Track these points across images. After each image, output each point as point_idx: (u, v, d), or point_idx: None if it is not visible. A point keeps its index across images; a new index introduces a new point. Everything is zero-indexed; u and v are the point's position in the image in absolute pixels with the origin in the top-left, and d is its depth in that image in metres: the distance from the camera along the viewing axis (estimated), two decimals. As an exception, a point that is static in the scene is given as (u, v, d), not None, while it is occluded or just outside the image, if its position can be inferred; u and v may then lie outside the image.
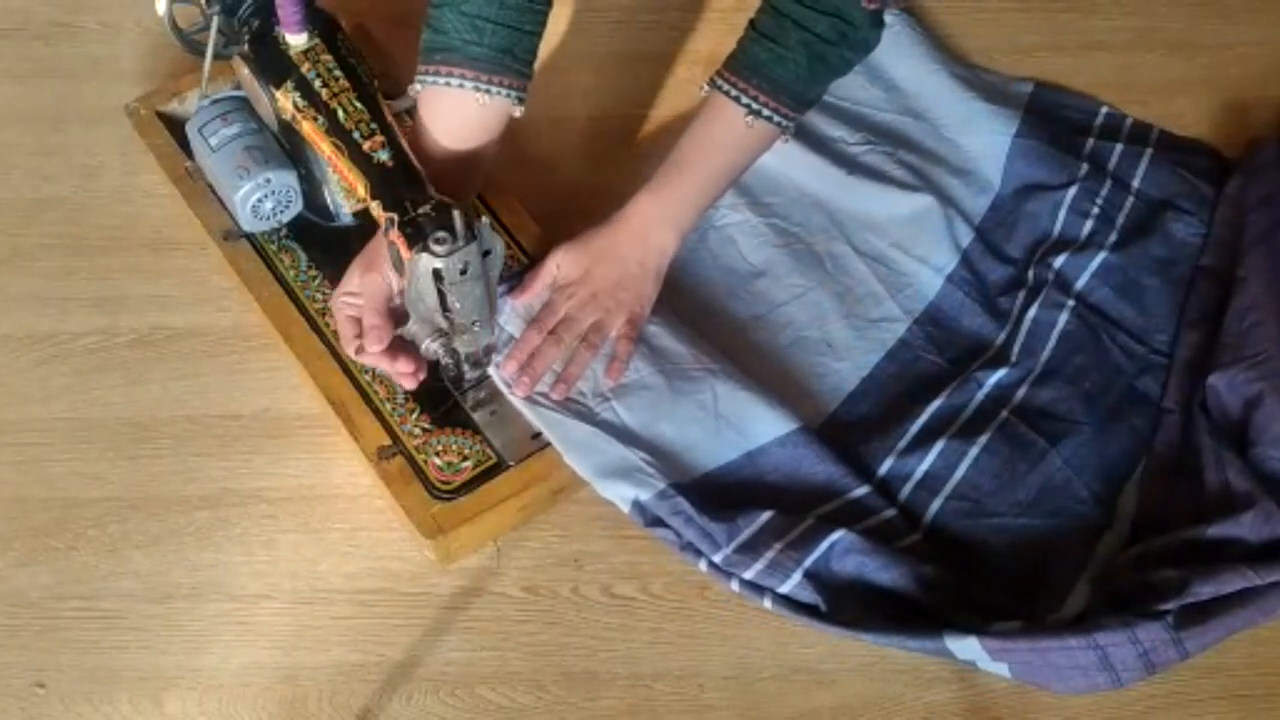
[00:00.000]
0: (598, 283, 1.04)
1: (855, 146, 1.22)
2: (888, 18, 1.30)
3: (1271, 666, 0.98)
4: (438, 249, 0.87)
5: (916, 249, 1.16)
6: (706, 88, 1.03)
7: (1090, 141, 1.25)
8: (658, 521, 0.98)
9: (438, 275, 0.89)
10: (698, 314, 1.12)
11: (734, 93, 1.00)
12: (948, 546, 1.01)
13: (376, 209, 0.94)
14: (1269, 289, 1.08)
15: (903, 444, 1.05)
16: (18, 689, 0.96)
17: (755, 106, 1.00)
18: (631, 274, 1.04)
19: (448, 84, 0.99)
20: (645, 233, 1.05)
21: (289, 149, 1.09)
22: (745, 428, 1.02)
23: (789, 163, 1.20)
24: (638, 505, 0.97)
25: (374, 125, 0.97)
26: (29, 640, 0.98)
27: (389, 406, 1.03)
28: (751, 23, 1.02)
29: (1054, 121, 1.26)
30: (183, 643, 0.98)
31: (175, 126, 1.16)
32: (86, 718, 0.95)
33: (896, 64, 1.28)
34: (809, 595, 0.95)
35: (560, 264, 1.05)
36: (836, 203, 1.19)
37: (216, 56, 1.06)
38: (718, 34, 1.34)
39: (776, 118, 1.00)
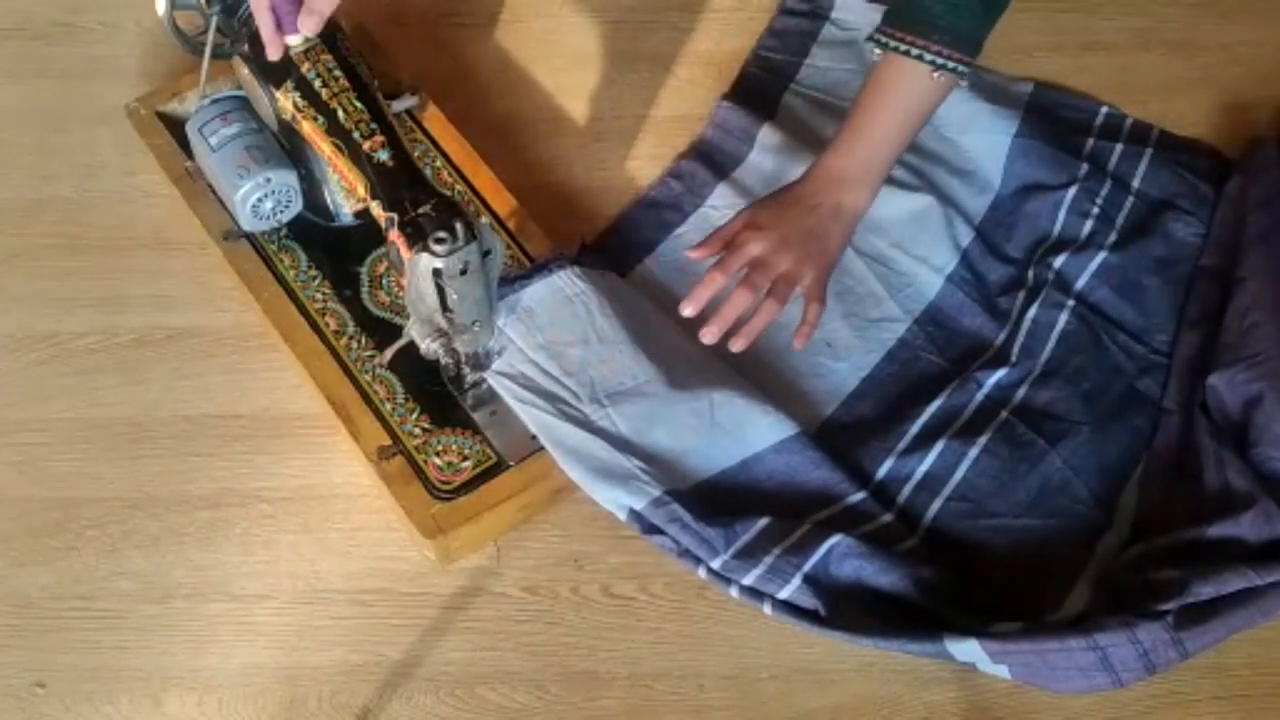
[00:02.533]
0: (789, 227, 1.01)
1: (855, 147, 1.22)
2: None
3: (1271, 666, 0.98)
4: (438, 249, 0.87)
5: (916, 249, 1.16)
6: (878, 51, 1.02)
7: (1090, 141, 1.25)
8: (655, 529, 0.97)
9: (437, 275, 0.89)
10: (697, 314, 1.12)
11: (915, 51, 0.99)
12: (947, 547, 1.01)
13: (376, 209, 0.94)
14: (1269, 289, 1.08)
15: (903, 445, 1.05)
16: (18, 689, 0.96)
17: (940, 61, 0.98)
18: (823, 224, 1.02)
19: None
20: (838, 187, 1.03)
21: (289, 149, 1.09)
22: (741, 435, 1.02)
23: (789, 162, 1.20)
24: (634, 514, 0.97)
25: (374, 125, 0.97)
26: (29, 640, 0.98)
27: (389, 406, 1.03)
28: None
29: (1054, 121, 1.26)
30: (183, 643, 0.98)
31: (175, 126, 1.16)
32: (86, 718, 0.95)
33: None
34: (808, 600, 0.94)
35: (753, 212, 1.03)
36: None
37: (216, 56, 1.06)
38: (718, 34, 1.34)
39: (961, 68, 0.99)
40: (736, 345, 0.98)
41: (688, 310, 0.99)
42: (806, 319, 1.01)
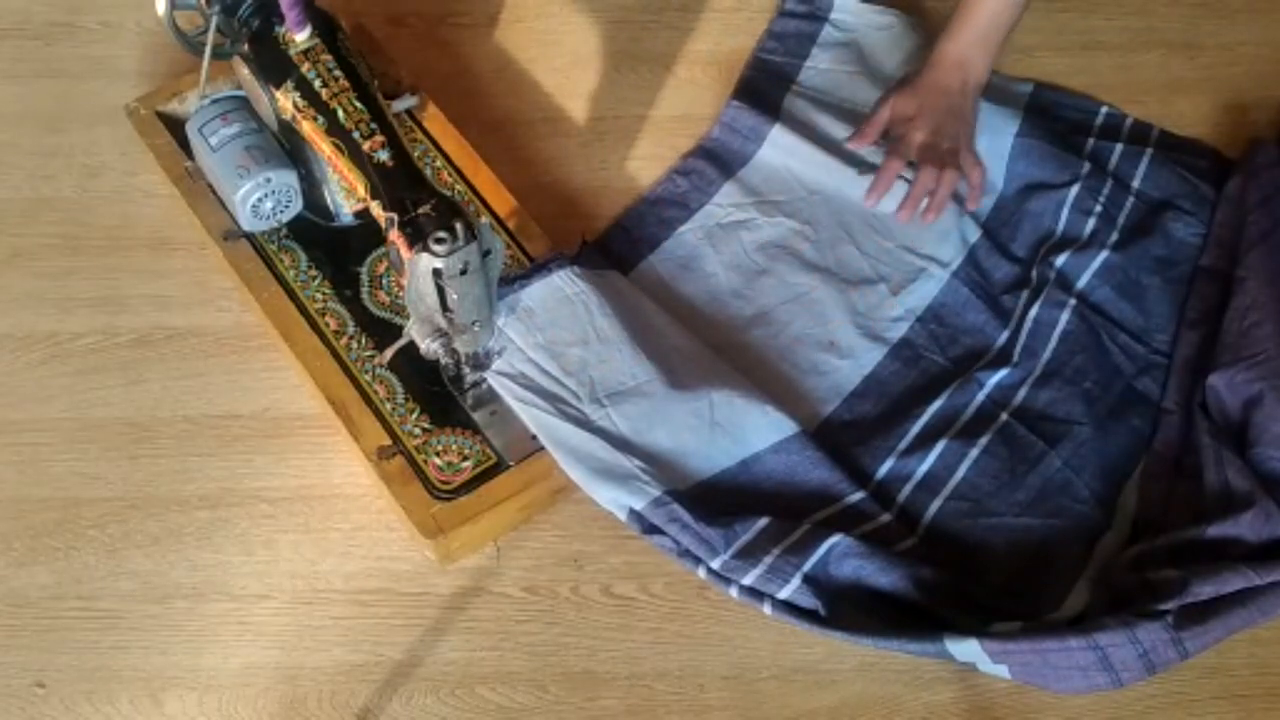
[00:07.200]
0: (933, 114, 1.17)
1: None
2: (887, 18, 1.31)
3: (1271, 666, 0.98)
4: (438, 249, 0.87)
5: (924, 247, 1.16)
6: None
7: (1091, 141, 1.25)
8: (654, 529, 0.97)
9: (437, 275, 0.89)
10: (701, 310, 1.13)
11: None
12: (947, 547, 1.01)
13: (376, 209, 0.94)
14: (1269, 289, 1.08)
15: (903, 444, 1.05)
16: (18, 689, 0.96)
17: None
18: (957, 102, 1.18)
19: None
20: (958, 68, 1.17)
21: (289, 149, 1.09)
22: (740, 435, 1.02)
23: (797, 161, 1.21)
24: (634, 514, 0.97)
25: (374, 125, 0.97)
26: (29, 640, 0.98)
27: (389, 406, 1.03)
28: None
29: (1054, 121, 1.26)
30: (183, 643, 0.98)
31: (175, 126, 1.16)
32: (86, 718, 0.95)
33: (898, 66, 1.28)
34: (808, 600, 0.94)
35: (895, 106, 1.19)
36: (846, 201, 1.19)
37: (216, 56, 1.06)
38: (718, 34, 1.34)
39: None
40: (929, 217, 1.15)
41: (870, 201, 1.17)
42: (973, 183, 1.17)
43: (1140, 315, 1.13)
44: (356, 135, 0.96)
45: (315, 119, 0.99)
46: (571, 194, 1.21)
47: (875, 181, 1.16)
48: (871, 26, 1.31)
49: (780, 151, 1.21)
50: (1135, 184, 1.21)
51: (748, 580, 0.95)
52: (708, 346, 1.08)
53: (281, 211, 1.10)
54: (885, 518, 1.01)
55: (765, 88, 1.28)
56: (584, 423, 1.00)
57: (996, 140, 1.22)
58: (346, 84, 0.99)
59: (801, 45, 1.31)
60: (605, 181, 1.22)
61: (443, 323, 0.94)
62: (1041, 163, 1.21)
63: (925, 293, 1.14)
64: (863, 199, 1.17)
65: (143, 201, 1.20)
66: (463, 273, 0.90)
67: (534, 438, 1.01)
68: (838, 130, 1.23)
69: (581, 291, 1.05)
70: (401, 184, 0.93)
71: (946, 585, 0.96)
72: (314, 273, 1.10)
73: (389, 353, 1.00)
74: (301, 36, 0.99)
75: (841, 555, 0.95)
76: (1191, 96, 1.30)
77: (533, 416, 1.00)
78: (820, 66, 1.29)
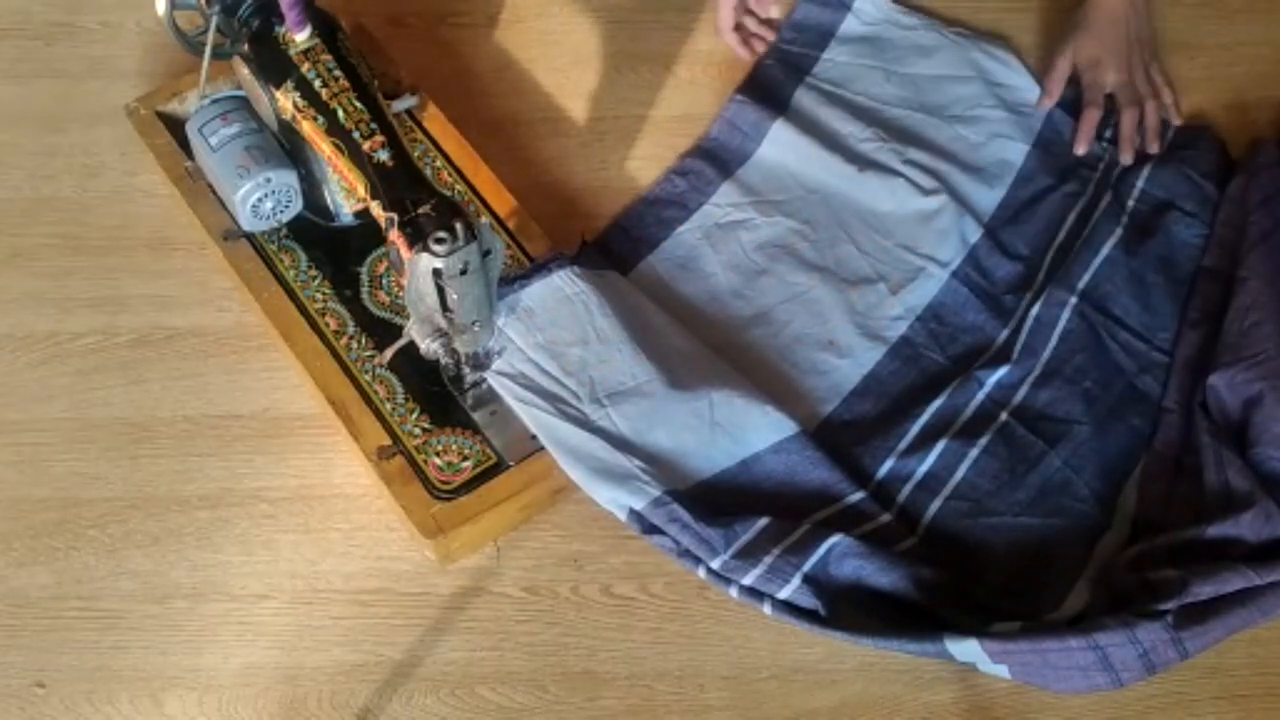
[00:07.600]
0: (1116, 50, 1.20)
1: (866, 144, 1.21)
2: (910, 19, 1.30)
3: (1271, 666, 0.98)
4: (438, 249, 0.87)
5: (923, 247, 1.16)
6: None
7: (1098, 143, 1.24)
8: (654, 529, 0.97)
9: (437, 275, 0.89)
10: (700, 311, 1.13)
11: None
12: (947, 547, 1.01)
13: (376, 209, 0.94)
14: (1269, 289, 1.08)
15: (903, 445, 1.05)
16: (18, 689, 0.96)
17: None
18: (1132, 30, 1.21)
19: None
20: None
21: (289, 149, 1.09)
22: (740, 435, 1.02)
23: (797, 160, 1.20)
24: (634, 514, 0.97)
25: (374, 125, 0.97)
26: (29, 640, 0.98)
27: (389, 406, 1.03)
28: None
29: (1063, 125, 1.26)
30: (183, 643, 0.98)
31: (175, 126, 1.16)
32: (87, 718, 0.95)
33: (914, 61, 1.28)
34: (809, 600, 0.94)
35: (1075, 54, 1.22)
36: (845, 200, 1.19)
37: (216, 56, 1.06)
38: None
39: None
40: (1154, 147, 1.19)
41: (1081, 150, 1.20)
42: (1167, 103, 1.21)
43: (1145, 311, 1.13)
44: (356, 135, 0.96)
45: (315, 119, 0.99)
46: (571, 194, 1.21)
47: (1079, 132, 1.19)
48: (893, 24, 1.31)
49: (780, 149, 1.21)
50: (1139, 184, 1.21)
51: (748, 580, 0.95)
52: (707, 346, 1.08)
53: (281, 211, 1.10)
54: (885, 518, 1.01)
55: (778, 78, 1.27)
56: (584, 423, 1.00)
57: (1010, 146, 1.22)
58: (346, 84, 0.99)
59: (821, 37, 1.30)
60: (605, 181, 1.22)
61: (443, 323, 0.94)
62: (1049, 162, 1.21)
63: (925, 292, 1.14)
64: (861, 199, 1.17)
65: (143, 201, 1.20)
66: (463, 273, 0.90)
67: (534, 438, 1.01)
68: (843, 125, 1.23)
69: (581, 291, 1.05)
70: (401, 184, 0.93)
71: (946, 585, 0.96)
72: (314, 273, 1.10)
73: (389, 353, 1.00)
74: (301, 36, 0.99)
75: (841, 555, 0.95)
76: (1191, 96, 1.30)
77: (533, 416, 1.00)
78: (838, 59, 1.29)
